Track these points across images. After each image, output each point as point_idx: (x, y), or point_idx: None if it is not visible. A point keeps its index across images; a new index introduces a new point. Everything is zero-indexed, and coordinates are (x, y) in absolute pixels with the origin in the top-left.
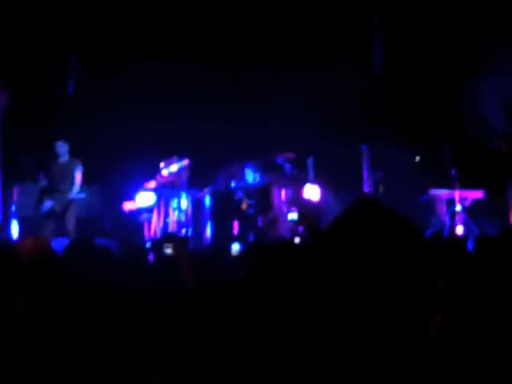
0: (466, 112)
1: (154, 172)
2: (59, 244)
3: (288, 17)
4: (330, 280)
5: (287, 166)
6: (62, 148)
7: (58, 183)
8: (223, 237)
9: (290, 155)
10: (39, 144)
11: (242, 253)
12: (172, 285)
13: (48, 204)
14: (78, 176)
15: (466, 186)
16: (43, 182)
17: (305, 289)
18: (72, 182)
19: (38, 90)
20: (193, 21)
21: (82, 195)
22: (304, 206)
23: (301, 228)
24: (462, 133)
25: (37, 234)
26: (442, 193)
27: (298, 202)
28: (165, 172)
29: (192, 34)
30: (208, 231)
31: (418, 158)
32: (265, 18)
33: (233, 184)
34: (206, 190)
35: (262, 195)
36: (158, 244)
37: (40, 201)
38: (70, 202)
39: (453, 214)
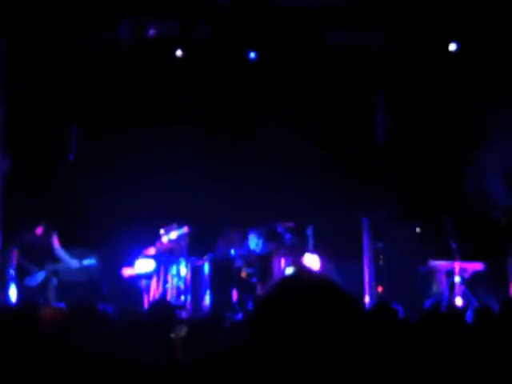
0: (468, 184)
1: (154, 239)
2: None
3: (290, 87)
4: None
5: (287, 235)
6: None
7: (40, 251)
8: (222, 305)
9: (290, 224)
10: (39, 209)
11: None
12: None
13: (42, 275)
14: (55, 241)
15: (465, 257)
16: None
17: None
18: (51, 249)
19: (39, 155)
20: (195, 86)
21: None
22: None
23: None
24: (463, 205)
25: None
26: (442, 264)
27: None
28: (164, 239)
29: (194, 99)
30: (207, 299)
31: (418, 230)
32: (267, 88)
33: (232, 252)
34: (205, 257)
35: (262, 264)
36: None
37: (25, 271)
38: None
39: (451, 285)
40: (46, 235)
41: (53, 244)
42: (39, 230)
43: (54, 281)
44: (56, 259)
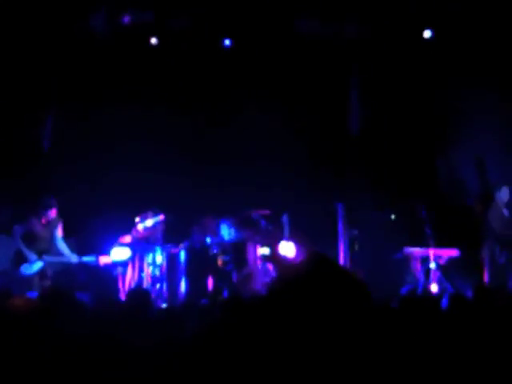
0: (442, 171)
1: (130, 227)
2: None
3: (265, 77)
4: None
5: (262, 223)
6: (53, 204)
7: (42, 241)
8: (197, 292)
9: (266, 212)
10: (15, 197)
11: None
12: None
13: (38, 265)
14: (60, 231)
15: (440, 244)
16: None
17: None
18: (51, 240)
19: (15, 143)
20: (170, 73)
21: (90, 259)
22: (279, 263)
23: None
24: (437, 192)
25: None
26: (417, 251)
27: (273, 258)
28: (140, 227)
29: (169, 87)
30: (182, 286)
31: (393, 216)
32: (242, 77)
33: (208, 240)
34: (181, 245)
35: (237, 251)
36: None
37: (23, 257)
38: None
39: (427, 271)
40: (53, 222)
41: (55, 233)
42: (53, 212)
43: (49, 272)
44: (56, 251)
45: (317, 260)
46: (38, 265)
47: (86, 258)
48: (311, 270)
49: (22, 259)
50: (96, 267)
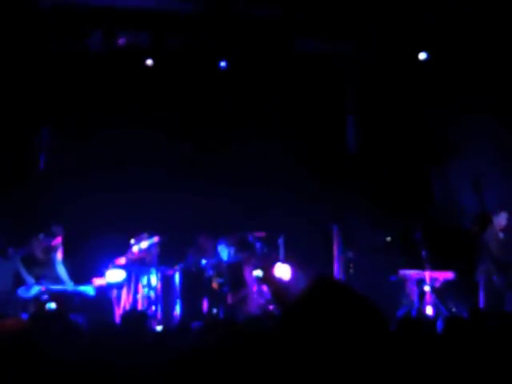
0: (438, 194)
1: (125, 248)
2: None
3: (262, 97)
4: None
5: (258, 245)
6: (59, 233)
7: (42, 265)
8: (192, 314)
9: (261, 234)
10: (9, 218)
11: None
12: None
13: (36, 289)
14: (59, 254)
15: (436, 266)
16: (16, 256)
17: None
18: (53, 263)
19: (9, 164)
20: (166, 95)
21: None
22: (275, 285)
23: (271, 307)
24: (433, 214)
25: (7, 310)
26: (412, 273)
27: (268, 280)
28: (135, 249)
29: (165, 108)
30: (177, 309)
31: (388, 238)
32: (238, 97)
33: (203, 261)
34: (176, 267)
35: (232, 273)
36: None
37: (20, 280)
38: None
39: (421, 294)
40: (54, 247)
41: (55, 257)
42: (58, 240)
43: (46, 296)
44: (54, 277)
45: (324, 286)
46: (35, 289)
47: (81, 288)
48: (318, 298)
49: (20, 282)
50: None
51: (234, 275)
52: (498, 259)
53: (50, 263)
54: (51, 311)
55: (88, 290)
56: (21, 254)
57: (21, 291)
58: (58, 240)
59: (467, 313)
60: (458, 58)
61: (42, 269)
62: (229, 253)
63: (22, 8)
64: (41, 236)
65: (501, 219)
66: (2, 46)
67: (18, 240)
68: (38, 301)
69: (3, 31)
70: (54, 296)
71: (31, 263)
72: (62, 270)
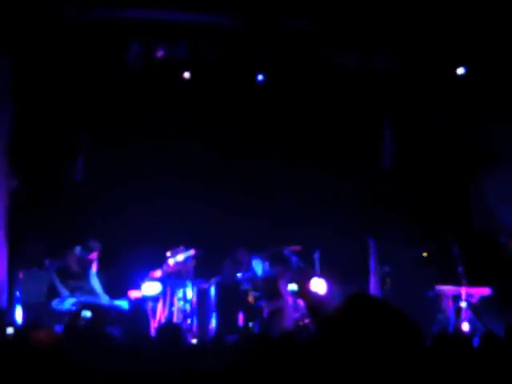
0: (475, 208)
1: (161, 261)
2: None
3: (298, 111)
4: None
5: (294, 259)
6: (96, 248)
7: (77, 278)
8: (228, 328)
9: (297, 248)
10: (46, 230)
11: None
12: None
13: (70, 301)
14: (94, 266)
15: (473, 282)
16: (52, 268)
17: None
18: (87, 276)
19: (46, 175)
20: (203, 108)
21: (123, 305)
22: (310, 299)
23: (307, 320)
24: (470, 229)
25: (42, 321)
26: (449, 289)
27: (304, 295)
28: (171, 261)
29: (202, 122)
30: (213, 322)
31: (425, 254)
32: (275, 111)
33: (239, 275)
34: (211, 280)
35: (268, 287)
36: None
37: (55, 292)
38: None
39: (458, 310)
40: (89, 260)
41: (90, 270)
42: (94, 255)
43: (86, 315)
44: (89, 290)
45: (360, 302)
46: (69, 301)
47: (117, 302)
48: (354, 313)
49: (55, 294)
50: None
51: (269, 289)
52: None
53: (85, 276)
54: (86, 323)
55: (123, 304)
56: (56, 265)
57: (55, 303)
58: (94, 255)
59: (503, 329)
60: (496, 70)
61: (76, 281)
62: (263, 267)
63: (61, 20)
64: (77, 249)
65: None
66: (42, 58)
67: (54, 251)
68: (72, 313)
69: (43, 43)
70: (89, 308)
71: (66, 275)
72: (96, 283)
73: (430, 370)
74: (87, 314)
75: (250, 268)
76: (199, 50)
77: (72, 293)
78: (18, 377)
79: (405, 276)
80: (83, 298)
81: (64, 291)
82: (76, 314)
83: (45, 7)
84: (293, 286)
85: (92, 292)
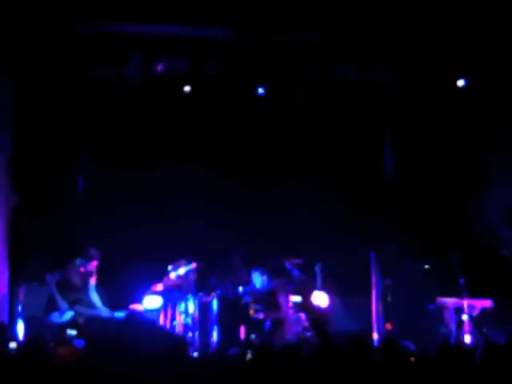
0: (476, 221)
1: (162, 275)
2: None
3: (299, 123)
4: None
5: (295, 272)
6: (96, 256)
7: (76, 290)
8: (229, 341)
9: (298, 261)
10: (47, 245)
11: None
12: None
13: (69, 314)
14: (93, 279)
15: (474, 294)
16: (52, 281)
17: None
18: (86, 289)
19: (47, 190)
20: (203, 121)
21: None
22: (312, 312)
23: (308, 334)
24: (471, 241)
25: (43, 335)
26: (450, 301)
27: (305, 307)
28: (172, 275)
29: (202, 135)
30: (214, 335)
31: (426, 266)
32: (276, 124)
33: (240, 288)
34: (213, 294)
35: (268, 299)
36: None
37: (54, 306)
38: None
39: (459, 322)
40: (89, 272)
41: (89, 282)
42: (94, 264)
43: (80, 321)
44: (89, 302)
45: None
46: (68, 314)
47: (117, 314)
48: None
49: (54, 307)
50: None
51: (269, 301)
52: None
53: (85, 288)
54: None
55: (123, 316)
56: (56, 278)
57: (54, 316)
58: (94, 264)
59: (505, 341)
60: (497, 84)
61: (76, 294)
62: (262, 280)
63: (60, 33)
64: (78, 261)
65: None
66: (42, 73)
67: (55, 266)
68: (70, 326)
69: (43, 58)
70: (88, 321)
71: (66, 288)
72: (94, 296)
73: (433, 382)
74: (72, 332)
75: (244, 273)
76: (199, 64)
77: (71, 306)
78: None
79: (406, 289)
80: (83, 311)
81: (63, 304)
82: (63, 328)
83: (43, 22)
84: (296, 298)
85: (92, 305)
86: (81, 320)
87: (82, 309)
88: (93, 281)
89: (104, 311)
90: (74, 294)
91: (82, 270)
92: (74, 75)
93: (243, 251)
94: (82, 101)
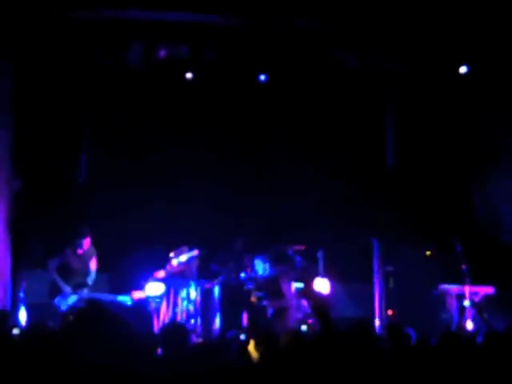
0: (478, 208)
1: (164, 262)
2: None
3: (300, 110)
4: None
5: (297, 258)
6: (87, 233)
7: (77, 274)
8: (232, 328)
9: (301, 247)
10: (49, 231)
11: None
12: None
13: (73, 298)
14: (93, 264)
15: (476, 281)
16: (52, 266)
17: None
18: (87, 273)
19: (49, 177)
20: (205, 108)
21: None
22: (314, 299)
23: (311, 320)
24: (474, 228)
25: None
26: (452, 288)
27: (307, 294)
28: (174, 262)
29: (204, 121)
30: (217, 322)
31: (428, 253)
32: (277, 111)
33: (242, 275)
34: (215, 280)
35: (271, 286)
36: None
37: (58, 290)
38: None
39: (461, 309)
40: (88, 254)
41: (90, 266)
42: (87, 242)
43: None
44: (90, 287)
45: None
46: (72, 298)
47: (120, 298)
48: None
49: (57, 292)
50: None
51: (272, 289)
52: None
53: (87, 272)
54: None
55: (125, 299)
56: (56, 263)
57: (57, 300)
58: (88, 241)
59: (505, 327)
60: (499, 70)
61: (78, 277)
62: (264, 268)
63: (61, 20)
64: (74, 242)
65: None
66: (43, 59)
67: (56, 252)
68: (75, 309)
69: (44, 44)
70: (91, 304)
71: (67, 272)
72: (92, 280)
73: (435, 367)
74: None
75: (246, 258)
76: (201, 50)
77: (75, 289)
78: (23, 377)
79: (408, 275)
80: (85, 294)
81: (66, 288)
82: (68, 313)
83: (44, 9)
84: (298, 285)
85: (93, 288)
86: (84, 303)
87: (85, 292)
88: (93, 266)
89: (107, 295)
90: (76, 277)
91: (79, 252)
92: (76, 62)
93: (245, 238)
94: (83, 88)
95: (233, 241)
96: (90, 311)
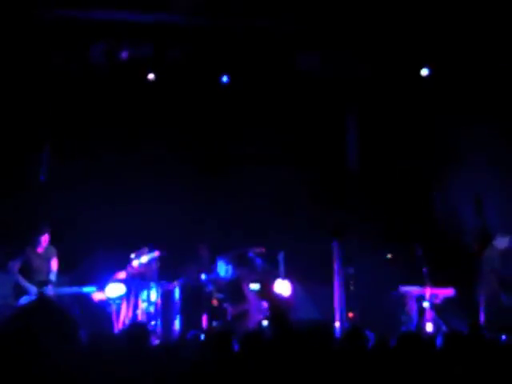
0: (439, 210)
1: (125, 263)
2: None
3: (263, 112)
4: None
5: (258, 261)
6: (45, 229)
7: (39, 273)
8: (192, 329)
9: (261, 250)
10: (8, 231)
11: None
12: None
13: (26, 299)
14: (54, 263)
15: (436, 283)
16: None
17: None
18: (48, 271)
19: (10, 177)
20: (167, 109)
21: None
22: (274, 301)
23: (265, 323)
24: (434, 230)
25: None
26: (413, 290)
27: (267, 296)
28: (135, 263)
29: (166, 122)
30: (177, 324)
31: (389, 255)
32: (239, 112)
33: (203, 276)
34: (175, 282)
35: (232, 289)
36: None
37: (22, 291)
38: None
39: (421, 310)
40: (48, 253)
41: (51, 266)
42: (46, 238)
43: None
44: (54, 283)
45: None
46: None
47: (85, 289)
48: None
49: (22, 293)
50: (90, 303)
51: (234, 291)
52: (503, 278)
53: (48, 270)
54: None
55: (90, 290)
56: (18, 265)
57: (22, 301)
58: (46, 237)
59: (467, 329)
60: (460, 71)
61: (41, 275)
62: (227, 270)
63: (22, 20)
64: (33, 240)
65: (499, 242)
66: (5, 58)
67: (16, 253)
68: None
69: (4, 44)
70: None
71: (30, 272)
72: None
73: (394, 369)
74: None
75: (211, 268)
76: (163, 51)
77: (40, 287)
78: None
79: (368, 278)
80: (52, 291)
81: (31, 288)
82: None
83: (3, 8)
84: (255, 286)
85: (56, 285)
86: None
87: (50, 289)
88: (55, 267)
89: (72, 288)
90: (39, 276)
91: (39, 250)
92: (37, 62)
93: (209, 241)
94: (45, 86)
95: (197, 247)
96: (36, 305)
